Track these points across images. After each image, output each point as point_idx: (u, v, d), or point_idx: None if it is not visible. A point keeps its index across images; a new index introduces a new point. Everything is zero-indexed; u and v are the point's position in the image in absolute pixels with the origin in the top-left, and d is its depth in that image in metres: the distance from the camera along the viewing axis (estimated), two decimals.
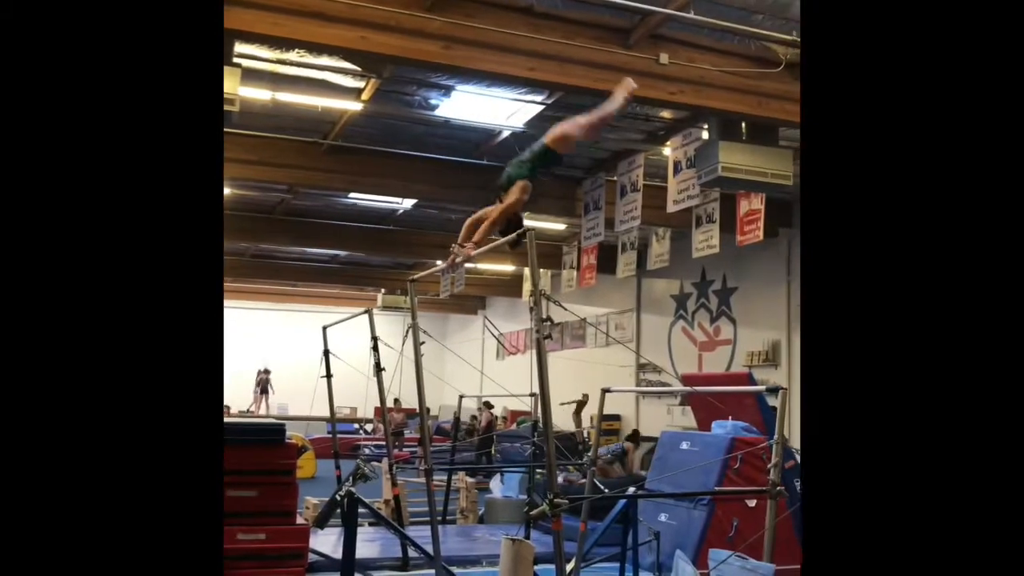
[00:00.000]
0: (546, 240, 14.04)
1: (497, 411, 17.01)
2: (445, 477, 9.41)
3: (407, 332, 5.88)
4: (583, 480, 6.85)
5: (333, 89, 8.12)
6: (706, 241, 9.93)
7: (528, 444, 9.85)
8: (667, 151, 9.21)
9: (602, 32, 6.45)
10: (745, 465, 6.37)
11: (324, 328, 8.07)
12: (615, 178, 10.00)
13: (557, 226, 13.32)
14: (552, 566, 4.17)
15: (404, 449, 15.58)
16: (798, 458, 6.29)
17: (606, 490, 6.55)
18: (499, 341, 18.24)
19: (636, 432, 13.03)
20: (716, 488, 6.31)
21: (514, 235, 4.59)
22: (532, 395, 8.55)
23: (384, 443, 9.09)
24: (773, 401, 5.54)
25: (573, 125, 5.00)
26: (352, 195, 12.13)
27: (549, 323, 4.08)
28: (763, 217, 9.27)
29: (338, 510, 5.84)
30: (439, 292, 18.05)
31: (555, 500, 3.84)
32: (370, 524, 8.25)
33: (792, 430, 9.65)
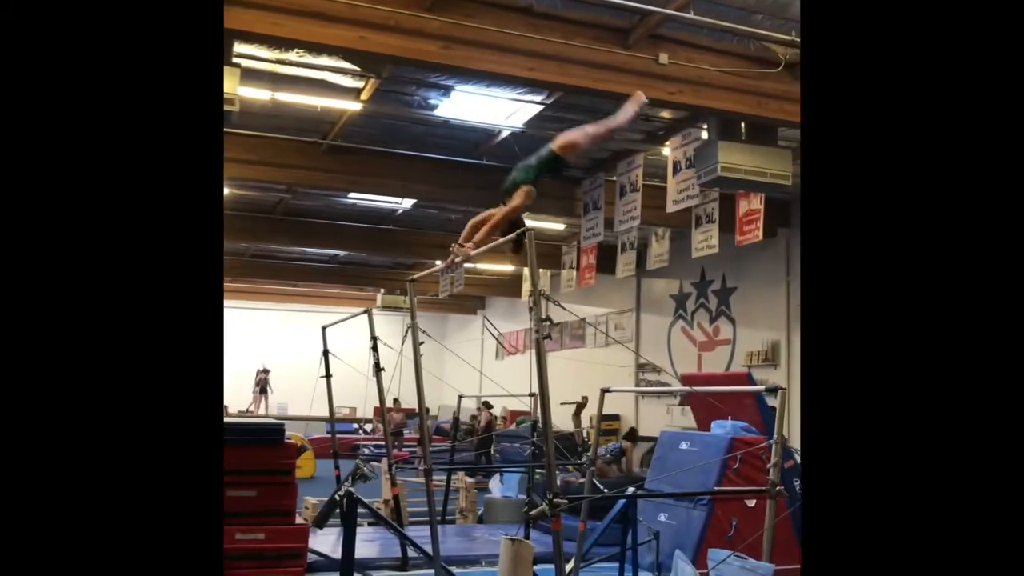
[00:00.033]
0: (545, 240, 14.04)
1: (496, 411, 17.00)
2: (444, 477, 9.42)
3: (406, 332, 5.88)
4: (581, 480, 6.85)
5: (332, 89, 8.12)
6: (705, 241, 9.93)
7: (527, 444, 9.85)
8: (666, 151, 9.21)
9: (601, 32, 6.45)
10: (744, 465, 6.37)
11: (323, 328, 8.07)
12: (614, 178, 10.00)
13: (556, 226, 13.32)
14: (551, 566, 4.17)
15: (403, 449, 15.58)
16: (797, 458, 6.28)
17: (605, 490, 6.55)
18: (498, 341, 18.24)
19: (633, 430, 13.01)
20: (715, 488, 6.31)
21: (514, 235, 4.60)
22: (531, 395, 8.55)
23: (383, 443, 9.09)
24: (772, 401, 5.54)
25: (581, 134, 5.01)
26: (352, 195, 12.13)
27: (548, 323, 4.08)
28: (762, 217, 9.28)
29: (337, 510, 5.83)
30: (438, 292, 18.04)
31: (554, 500, 3.83)
32: (369, 524, 8.25)
33: (791, 430, 9.65)
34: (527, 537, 6.12)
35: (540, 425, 6.00)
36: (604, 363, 14.91)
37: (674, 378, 12.76)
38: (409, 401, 14.19)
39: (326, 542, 6.97)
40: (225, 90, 5.65)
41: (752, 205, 9.37)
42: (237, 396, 19.87)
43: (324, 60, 7.34)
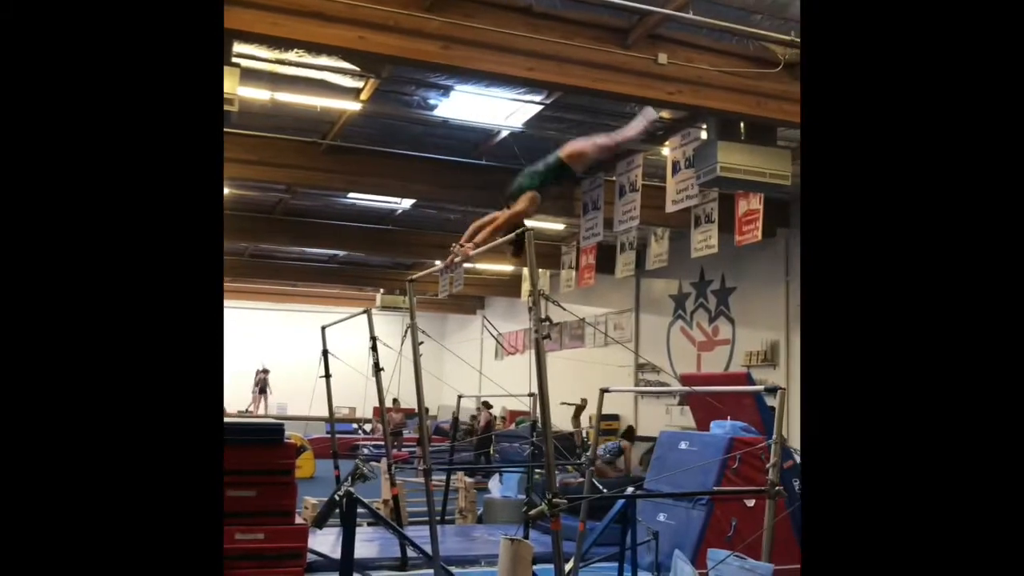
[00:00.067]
0: (545, 240, 14.04)
1: (496, 411, 17.00)
2: (444, 477, 9.42)
3: (406, 332, 5.88)
4: (580, 480, 6.85)
5: (332, 89, 8.12)
6: (705, 241, 9.93)
7: (527, 444, 9.85)
8: (666, 151, 9.21)
9: (601, 32, 6.45)
10: (744, 465, 6.37)
11: (323, 328, 8.07)
12: (614, 178, 10.00)
13: (556, 226, 13.32)
14: (551, 566, 4.17)
15: (403, 449, 15.58)
16: (796, 458, 6.29)
17: (604, 490, 6.55)
18: (498, 341, 18.25)
19: (631, 428, 13.03)
20: (715, 488, 6.31)
21: (513, 234, 4.60)
22: (531, 395, 8.56)
23: (383, 443, 9.09)
24: (771, 401, 5.54)
25: (590, 143, 5.03)
26: (351, 195, 12.13)
27: (548, 323, 4.08)
28: (761, 217, 9.28)
29: (337, 510, 5.83)
30: (438, 292, 18.04)
31: (553, 500, 3.83)
32: (369, 524, 8.25)
33: (790, 430, 9.65)
34: (526, 537, 6.12)
35: (539, 425, 6.00)
36: (603, 363, 14.91)
37: (673, 378, 12.77)
38: (408, 401, 14.19)
39: (325, 542, 6.97)
40: (225, 90, 5.65)
41: (751, 205, 9.37)
42: (237, 396, 19.86)
43: (323, 60, 7.34)
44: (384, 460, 8.71)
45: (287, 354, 21.61)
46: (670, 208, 9.05)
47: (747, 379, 7.80)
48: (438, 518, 7.38)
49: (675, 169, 8.87)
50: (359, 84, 8.03)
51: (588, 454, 6.41)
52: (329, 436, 9.46)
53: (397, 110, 8.74)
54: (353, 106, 8.45)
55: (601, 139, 5.12)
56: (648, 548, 5.66)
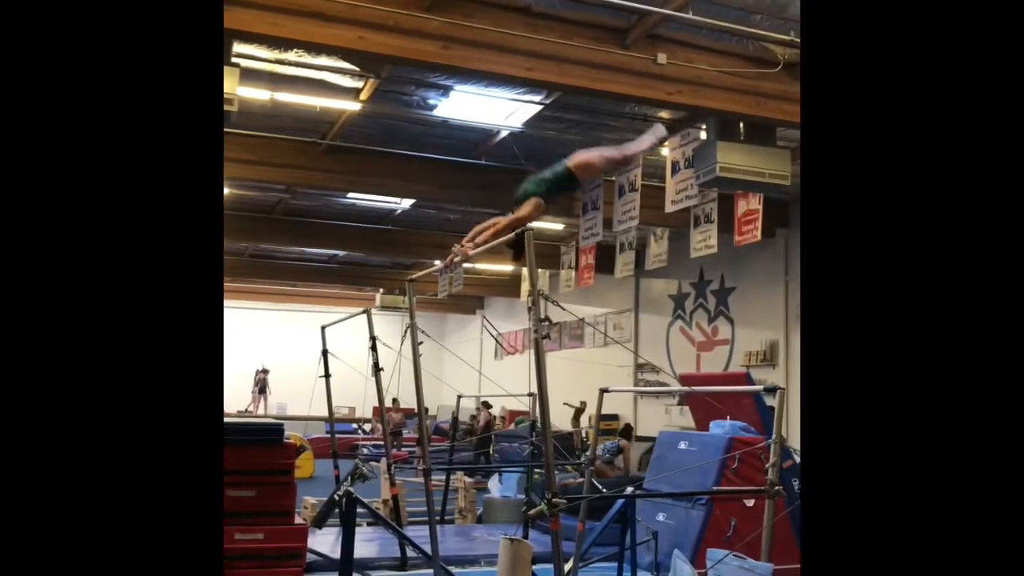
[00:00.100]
0: (544, 240, 14.04)
1: (495, 411, 17.01)
2: (443, 477, 9.42)
3: (405, 332, 5.88)
4: (580, 480, 6.85)
5: (332, 89, 8.12)
6: (704, 241, 9.94)
7: (526, 444, 9.85)
8: (665, 151, 9.21)
9: (600, 32, 6.45)
10: (743, 465, 6.38)
11: (323, 328, 8.07)
12: (613, 178, 10.00)
13: (555, 226, 13.33)
14: (550, 566, 4.17)
15: (402, 449, 15.58)
16: (796, 458, 6.29)
17: (604, 490, 6.55)
18: (497, 341, 18.26)
19: (628, 427, 13.02)
20: (714, 488, 6.31)
21: (512, 234, 4.60)
22: (530, 395, 8.55)
23: (382, 443, 9.09)
24: (771, 401, 5.54)
25: (598, 155, 5.03)
26: (351, 195, 12.14)
27: (547, 323, 4.07)
28: (761, 217, 9.28)
29: (336, 510, 5.83)
30: (437, 292, 18.05)
31: (553, 500, 3.83)
32: (368, 524, 8.24)
33: (790, 430, 9.66)
34: (526, 537, 6.12)
35: (539, 425, 6.00)
36: (603, 363, 14.92)
37: (673, 378, 12.78)
38: (408, 401, 14.18)
39: (325, 542, 6.96)
40: (225, 90, 5.65)
41: (751, 205, 9.38)
42: (236, 396, 19.86)
43: (323, 60, 7.34)
44: (384, 460, 8.71)
45: (287, 354, 21.62)
46: (669, 208, 9.05)
47: (746, 379, 7.81)
48: (438, 518, 7.38)
49: (674, 169, 8.87)
50: (359, 84, 8.03)
51: (588, 454, 6.42)
52: (329, 436, 9.46)
53: (397, 110, 8.75)
54: (353, 106, 8.45)
55: (610, 152, 5.14)
56: (647, 548, 5.66)
